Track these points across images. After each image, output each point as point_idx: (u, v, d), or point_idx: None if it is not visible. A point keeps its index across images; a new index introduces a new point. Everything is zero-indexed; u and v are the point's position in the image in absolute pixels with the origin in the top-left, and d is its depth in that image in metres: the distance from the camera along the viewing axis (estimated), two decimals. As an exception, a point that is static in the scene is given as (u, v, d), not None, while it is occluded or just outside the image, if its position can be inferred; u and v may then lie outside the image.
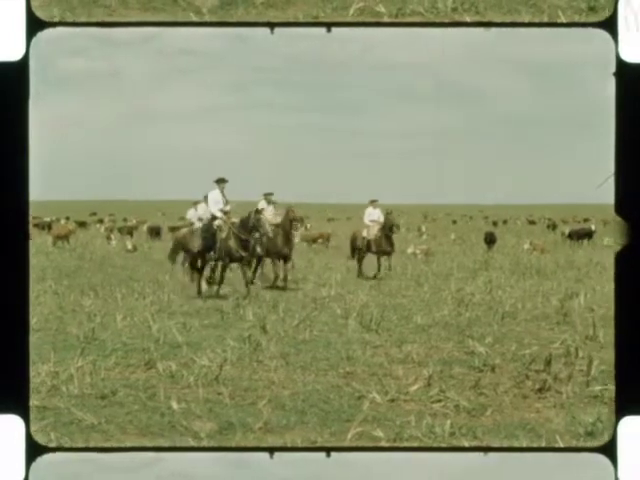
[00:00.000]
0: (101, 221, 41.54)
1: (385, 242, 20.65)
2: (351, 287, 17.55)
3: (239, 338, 10.90)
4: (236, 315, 13.32)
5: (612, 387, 8.40)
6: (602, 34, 6.61)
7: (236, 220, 16.86)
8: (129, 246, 28.30)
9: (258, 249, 17.16)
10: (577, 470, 6.69)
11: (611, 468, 6.56)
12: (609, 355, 10.14)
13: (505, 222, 46.85)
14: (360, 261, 20.88)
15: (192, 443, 7.02)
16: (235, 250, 16.54)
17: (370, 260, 21.10)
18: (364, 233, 21.12)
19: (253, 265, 18.99)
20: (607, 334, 11.21)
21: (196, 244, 17.08)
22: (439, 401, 8.08)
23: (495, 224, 44.28)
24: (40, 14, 6.76)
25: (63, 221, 32.11)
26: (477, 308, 14.05)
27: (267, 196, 19.13)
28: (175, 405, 7.84)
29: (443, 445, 6.97)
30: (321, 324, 12.49)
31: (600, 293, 15.85)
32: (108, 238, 32.79)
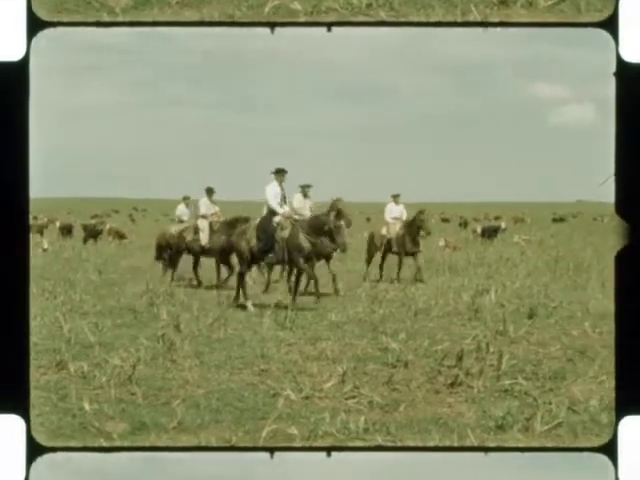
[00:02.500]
0: (10, 220, 40.68)
1: (409, 241, 18.72)
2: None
3: (153, 337, 10.80)
4: (149, 314, 13.20)
5: (522, 381, 8.61)
6: (602, 34, 6.67)
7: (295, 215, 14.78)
8: (45, 245, 27.77)
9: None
10: (577, 470, 6.73)
11: (611, 468, 6.59)
12: (519, 350, 10.38)
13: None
14: (381, 263, 18.90)
15: (104, 444, 6.94)
16: (308, 250, 14.36)
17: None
18: (383, 231, 19.21)
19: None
20: (517, 329, 11.45)
21: (250, 244, 14.64)
22: (353, 397, 8.13)
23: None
24: (40, 14, 6.73)
25: (-30, 220, 31.34)
26: (391, 305, 14.18)
27: (304, 189, 16.38)
28: (87, 406, 7.73)
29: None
30: (235, 322, 12.47)
31: (510, 289, 16.16)
32: (17, 237, 32.09)
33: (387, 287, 16.98)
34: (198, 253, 18.32)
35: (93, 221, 36.66)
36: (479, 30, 6.99)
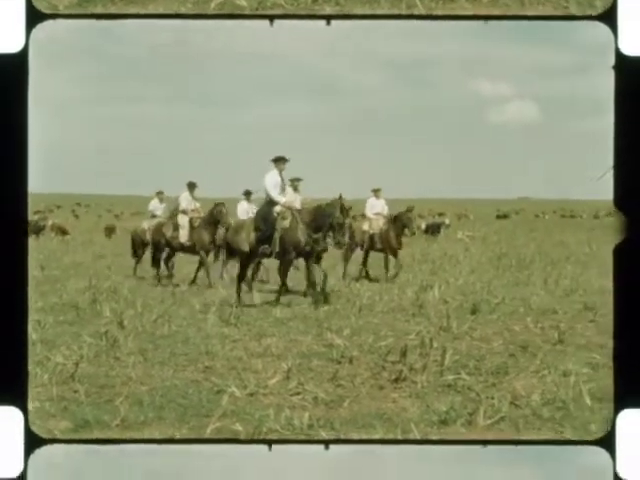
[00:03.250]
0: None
1: (394, 238, 18.13)
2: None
3: (96, 334, 10.70)
4: (92, 311, 13.07)
5: (465, 376, 8.68)
6: (601, 27, 6.69)
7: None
8: None
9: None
10: (575, 463, 6.75)
11: (610, 461, 6.64)
12: (462, 345, 10.46)
13: (363, 216, 47.61)
14: (347, 259, 18.02)
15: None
16: (305, 243, 13.83)
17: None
18: (365, 227, 18.55)
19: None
20: (460, 325, 11.54)
21: (250, 239, 14.05)
22: (298, 394, 8.13)
23: (354, 218, 44.94)
24: (40, 6, 6.70)
25: None
26: (335, 301, 14.20)
27: (294, 182, 15.20)
28: (29, 404, 7.62)
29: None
30: (180, 319, 12.39)
31: (454, 285, 16.28)
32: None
33: (331, 284, 16.99)
34: (178, 250, 17.68)
35: (35, 217, 36.14)
36: (425, 24, 7.02)
